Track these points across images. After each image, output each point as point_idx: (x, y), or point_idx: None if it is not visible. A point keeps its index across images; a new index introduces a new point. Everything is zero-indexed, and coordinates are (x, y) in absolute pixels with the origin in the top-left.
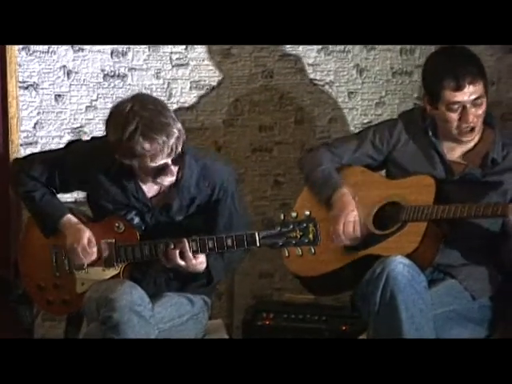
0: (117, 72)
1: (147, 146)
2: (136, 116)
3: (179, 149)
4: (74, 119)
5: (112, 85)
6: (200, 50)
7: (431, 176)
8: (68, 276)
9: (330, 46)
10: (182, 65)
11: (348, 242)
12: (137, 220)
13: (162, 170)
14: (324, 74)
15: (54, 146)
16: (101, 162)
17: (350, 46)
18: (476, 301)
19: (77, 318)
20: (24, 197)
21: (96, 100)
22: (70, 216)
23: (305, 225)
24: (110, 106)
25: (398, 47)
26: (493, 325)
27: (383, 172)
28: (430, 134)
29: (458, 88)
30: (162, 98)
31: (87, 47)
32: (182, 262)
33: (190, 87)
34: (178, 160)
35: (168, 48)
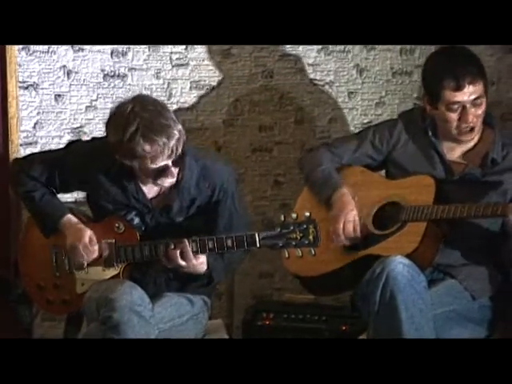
0: (117, 72)
1: (148, 147)
2: (137, 117)
3: (179, 150)
4: (74, 119)
5: (112, 85)
6: (200, 50)
7: (431, 176)
8: (68, 276)
9: (330, 46)
10: (182, 65)
11: (348, 242)
12: (137, 220)
13: (163, 171)
14: (324, 74)
15: (53, 146)
16: (101, 163)
17: (350, 46)
18: (476, 301)
19: (77, 318)
20: (24, 197)
21: (96, 100)
22: (70, 216)
23: (305, 226)
24: (110, 106)
25: (398, 47)
26: (493, 325)
27: (383, 172)
28: (430, 133)
29: (458, 88)
30: (162, 98)
31: (87, 47)
32: (183, 263)
33: (190, 87)
34: (178, 161)
35: (168, 48)
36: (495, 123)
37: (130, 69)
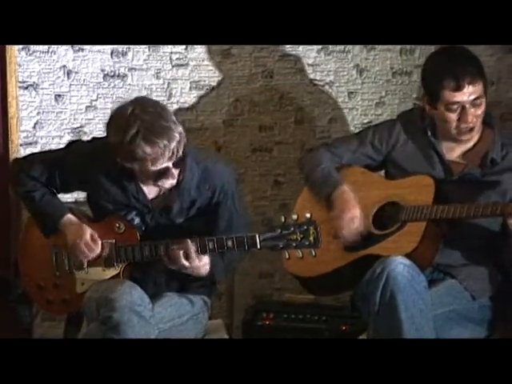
0: (117, 72)
1: (148, 149)
2: (137, 120)
3: (180, 152)
4: (74, 119)
5: (112, 85)
6: (200, 50)
7: (430, 176)
8: (68, 276)
9: (330, 46)
10: (182, 65)
11: (350, 239)
12: (137, 220)
13: (163, 173)
14: (324, 74)
15: (54, 146)
16: (101, 163)
17: (350, 46)
18: (476, 301)
19: (77, 318)
20: (24, 197)
21: (96, 100)
22: (70, 216)
23: (305, 227)
24: (110, 106)
25: (398, 47)
26: (493, 325)
27: (382, 172)
28: (429, 134)
29: (458, 88)
30: (162, 98)
31: (87, 47)
32: (187, 263)
33: (190, 87)
34: (179, 163)
35: (168, 48)
36: (495, 123)
37: (130, 69)
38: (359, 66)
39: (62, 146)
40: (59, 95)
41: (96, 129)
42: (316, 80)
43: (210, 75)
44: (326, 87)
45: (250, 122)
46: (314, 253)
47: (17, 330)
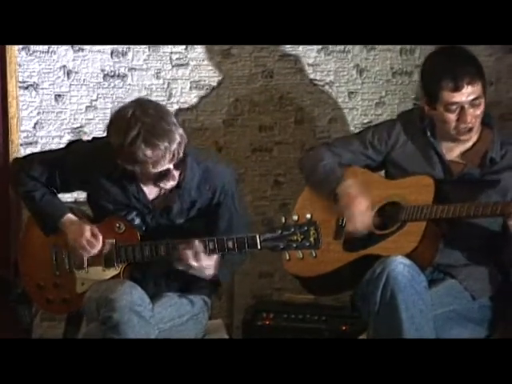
0: (117, 72)
1: (149, 152)
2: (138, 122)
3: (181, 154)
4: (74, 119)
5: (112, 85)
6: (200, 50)
7: (430, 176)
8: (68, 275)
9: (330, 46)
10: (182, 65)
11: (362, 231)
12: (137, 221)
13: (164, 175)
14: (324, 74)
15: (54, 146)
16: (102, 163)
17: (350, 46)
18: (476, 301)
19: (76, 318)
20: (24, 196)
21: (96, 100)
22: (70, 215)
23: (306, 228)
24: (110, 106)
25: (398, 47)
26: (493, 325)
27: (382, 172)
28: (429, 134)
29: (456, 89)
30: (162, 98)
31: (87, 47)
32: (195, 263)
33: (190, 87)
34: (179, 164)
35: (168, 48)
36: (494, 123)
37: (130, 69)
38: (359, 65)
39: (62, 146)
40: (59, 95)
41: (96, 129)
42: (316, 80)
43: (210, 75)
44: (326, 87)
45: (250, 121)
46: (314, 253)
47: (16, 329)
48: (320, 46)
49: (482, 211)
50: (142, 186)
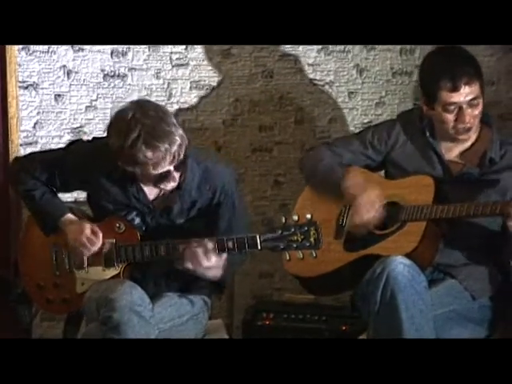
0: (117, 72)
1: (149, 154)
2: (138, 124)
3: (181, 155)
4: (74, 119)
5: (112, 85)
6: (200, 50)
7: (430, 176)
8: (68, 275)
9: (330, 46)
10: (182, 65)
11: (375, 222)
12: (137, 220)
13: (165, 177)
14: (324, 74)
15: (53, 146)
16: (102, 164)
17: (350, 46)
18: (476, 301)
19: (76, 318)
20: (24, 196)
21: (96, 100)
22: (70, 215)
23: (306, 228)
24: (109, 105)
25: (398, 47)
26: (493, 325)
27: (382, 172)
28: (428, 134)
29: (454, 89)
30: (162, 98)
31: (87, 47)
32: (207, 263)
33: (190, 87)
34: (180, 166)
35: (168, 48)
36: (493, 122)
37: (130, 69)
38: (359, 65)
39: (62, 146)
40: (59, 95)
41: (96, 129)
42: (316, 80)
43: (210, 75)
44: (326, 87)
45: (250, 121)
46: (314, 254)
47: (16, 329)
48: (320, 46)
49: (481, 211)
50: (142, 186)
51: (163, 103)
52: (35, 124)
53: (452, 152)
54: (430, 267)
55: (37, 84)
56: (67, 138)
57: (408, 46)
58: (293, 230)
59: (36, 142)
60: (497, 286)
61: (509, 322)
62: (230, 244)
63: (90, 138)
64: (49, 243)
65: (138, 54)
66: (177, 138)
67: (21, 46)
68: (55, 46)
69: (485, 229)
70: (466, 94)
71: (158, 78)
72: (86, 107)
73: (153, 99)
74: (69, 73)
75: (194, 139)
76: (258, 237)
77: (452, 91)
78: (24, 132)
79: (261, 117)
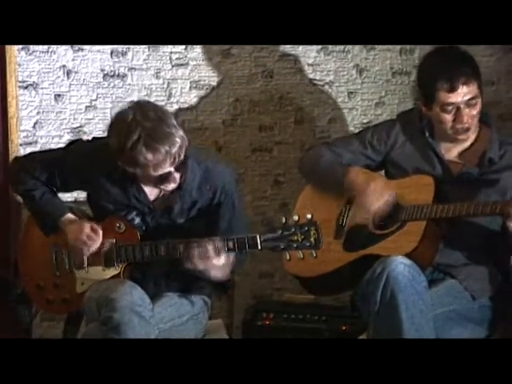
0: (116, 72)
1: (150, 156)
2: (138, 126)
3: (182, 156)
4: (74, 119)
5: (112, 84)
6: (200, 50)
7: (430, 175)
8: (68, 275)
9: (330, 46)
10: (182, 65)
11: (383, 212)
12: (137, 220)
13: (165, 178)
14: (324, 74)
15: (53, 146)
16: (102, 164)
17: (349, 46)
18: (476, 301)
19: (76, 318)
20: (24, 195)
21: (96, 100)
22: (70, 215)
23: (306, 228)
24: (109, 105)
25: (398, 47)
26: (493, 325)
27: (382, 172)
28: (427, 134)
29: (452, 89)
30: (162, 98)
31: (87, 47)
32: (217, 262)
33: (190, 87)
34: (180, 167)
35: (168, 48)
36: (492, 122)
37: (130, 69)
38: (359, 65)
39: (61, 146)
40: (59, 95)
41: (96, 128)
42: (316, 80)
43: (210, 75)
44: (326, 87)
45: (250, 121)
46: (315, 254)
47: (16, 329)
48: (320, 46)
49: (481, 210)
50: (142, 186)
51: (163, 103)
52: (35, 124)
53: (451, 152)
54: (430, 267)
55: (37, 84)
56: (67, 137)
57: (408, 46)
58: (293, 229)
59: (36, 142)
60: (497, 286)
61: (509, 321)
62: (231, 244)
63: (89, 138)
64: (49, 243)
65: (138, 53)
66: (177, 139)
67: (21, 46)
68: (55, 46)
69: (485, 229)
70: (463, 94)
71: (157, 77)
72: (86, 107)
73: (152, 99)
74: (68, 73)
75: (194, 139)
76: (258, 237)
77: (449, 91)
78: (24, 132)
79: (261, 117)
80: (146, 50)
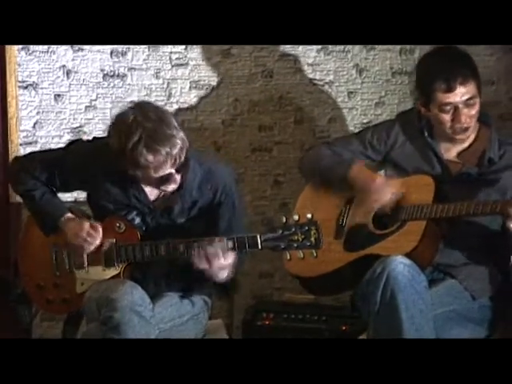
0: (116, 72)
1: (151, 157)
2: (139, 127)
3: (182, 158)
4: (74, 119)
5: (112, 84)
6: (199, 50)
7: (430, 175)
8: (68, 275)
9: (330, 46)
10: (182, 65)
11: (388, 205)
12: (138, 220)
13: (166, 179)
14: (324, 74)
15: (53, 146)
16: (102, 163)
17: (349, 46)
18: (476, 301)
19: (76, 318)
20: (24, 195)
21: (95, 100)
22: (70, 215)
23: (307, 228)
24: (109, 105)
25: (398, 47)
26: (493, 325)
27: (382, 172)
28: (426, 134)
29: (449, 89)
30: (162, 98)
31: (87, 47)
32: (224, 262)
33: (190, 87)
34: (181, 168)
35: (168, 48)
36: (491, 122)
37: (130, 69)
38: (359, 65)
39: (61, 146)
40: (59, 95)
41: (96, 128)
42: (316, 80)
43: (210, 75)
44: (326, 87)
45: (250, 121)
46: (315, 253)
47: (16, 329)
48: (320, 46)
49: (481, 210)
50: (143, 186)
51: (163, 103)
52: (35, 124)
53: (451, 152)
54: (429, 267)
55: (36, 84)
56: (67, 137)
57: (408, 46)
58: (293, 229)
59: (36, 142)
60: (497, 286)
61: (509, 321)
62: (231, 244)
63: (89, 138)
64: (49, 243)
65: (138, 53)
66: (178, 140)
67: (20, 46)
68: (55, 46)
69: (485, 228)
70: (461, 94)
71: (157, 77)
72: (86, 107)
73: (152, 99)
74: (68, 73)
75: (194, 139)
76: (258, 236)
77: (447, 92)
78: (24, 132)
79: (260, 117)
80: (146, 50)
